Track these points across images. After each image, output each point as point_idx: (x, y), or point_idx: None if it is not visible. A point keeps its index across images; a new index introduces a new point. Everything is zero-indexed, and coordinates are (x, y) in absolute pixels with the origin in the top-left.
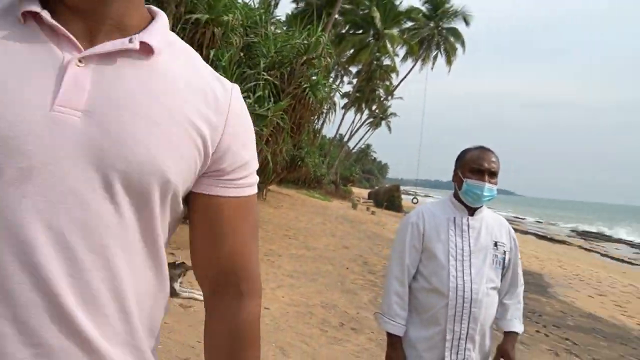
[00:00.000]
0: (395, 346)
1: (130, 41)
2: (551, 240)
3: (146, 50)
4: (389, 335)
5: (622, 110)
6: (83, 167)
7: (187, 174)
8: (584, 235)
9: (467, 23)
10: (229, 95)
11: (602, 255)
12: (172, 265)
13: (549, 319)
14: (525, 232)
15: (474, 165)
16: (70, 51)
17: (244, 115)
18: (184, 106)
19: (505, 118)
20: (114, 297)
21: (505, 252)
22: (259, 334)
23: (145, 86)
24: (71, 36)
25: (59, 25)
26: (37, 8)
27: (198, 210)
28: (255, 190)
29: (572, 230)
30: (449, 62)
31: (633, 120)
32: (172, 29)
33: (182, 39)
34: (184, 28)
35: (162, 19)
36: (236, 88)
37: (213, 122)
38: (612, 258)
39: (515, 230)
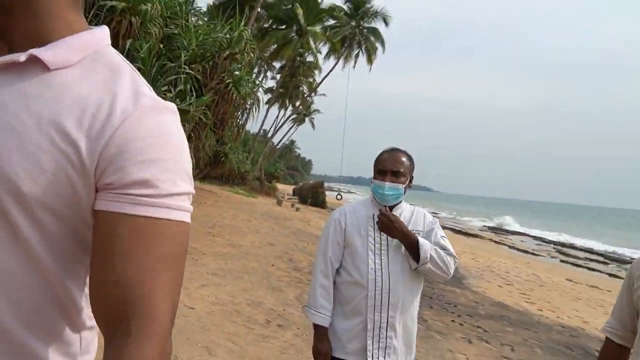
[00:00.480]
0: (321, 337)
1: (22, 55)
2: (466, 234)
3: (38, 63)
4: (315, 326)
5: (528, 112)
6: None
7: (56, 186)
8: (493, 229)
9: (386, 23)
10: (132, 111)
11: (510, 247)
12: None
13: (463, 309)
14: (443, 227)
15: (379, 167)
16: None
17: (151, 135)
18: (59, 116)
19: (425, 117)
20: None
21: (421, 235)
22: None
23: (19, 96)
24: None
25: None
26: None
27: (94, 229)
28: (173, 216)
29: (484, 226)
30: (369, 60)
31: (539, 119)
32: (86, 14)
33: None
34: (97, 14)
35: (83, 36)
36: (148, 106)
37: (95, 133)
38: (518, 250)
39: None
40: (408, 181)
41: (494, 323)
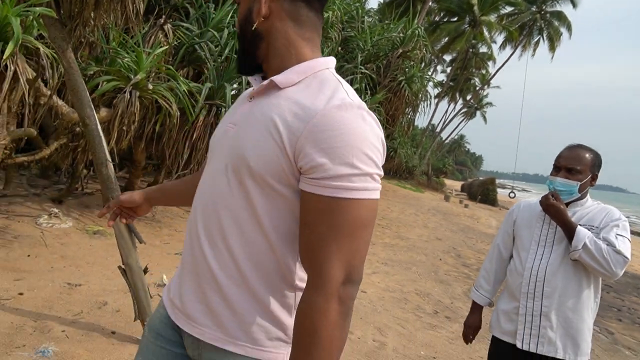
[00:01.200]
0: (472, 311)
1: (266, 81)
2: None
3: (275, 85)
4: (473, 302)
5: None
6: (220, 158)
7: (269, 165)
8: None
9: (574, 5)
10: (321, 110)
11: None
12: None
13: None
14: (638, 234)
15: (555, 163)
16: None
17: (331, 128)
18: (276, 117)
19: (614, 110)
20: (222, 238)
21: (594, 231)
22: (317, 330)
23: (261, 106)
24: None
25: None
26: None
27: (300, 205)
28: (344, 195)
29: None
30: (552, 48)
31: None
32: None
33: None
34: None
35: (306, 64)
36: (335, 106)
37: (294, 129)
38: None
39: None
40: (588, 179)
41: None
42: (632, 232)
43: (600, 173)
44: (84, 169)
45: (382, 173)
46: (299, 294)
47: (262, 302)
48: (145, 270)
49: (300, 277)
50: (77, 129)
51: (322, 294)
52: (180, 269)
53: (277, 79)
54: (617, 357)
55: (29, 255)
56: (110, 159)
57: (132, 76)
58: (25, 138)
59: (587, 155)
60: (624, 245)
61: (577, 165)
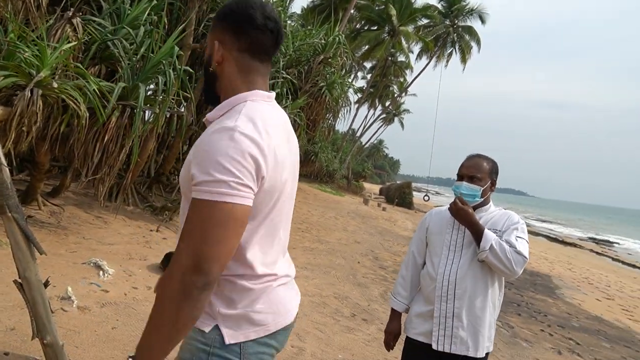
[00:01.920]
0: (392, 319)
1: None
2: (562, 242)
3: (206, 119)
4: (391, 309)
5: (634, 113)
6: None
7: (185, 179)
8: (594, 240)
9: (482, 21)
10: (205, 135)
11: (614, 259)
12: None
13: (554, 319)
14: (537, 234)
15: (458, 172)
16: None
17: (202, 146)
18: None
19: (519, 118)
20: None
21: (498, 234)
22: (158, 298)
23: (201, 136)
24: None
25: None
26: None
27: None
28: (201, 196)
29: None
30: (463, 60)
31: None
32: (197, 27)
33: (204, 37)
34: (208, 26)
35: (231, 99)
36: (214, 130)
37: (194, 148)
38: (624, 263)
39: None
40: (488, 184)
41: (588, 337)
42: (530, 233)
43: (503, 177)
44: None
45: (246, 182)
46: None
47: None
48: (46, 284)
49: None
50: None
51: (169, 271)
52: None
53: (208, 114)
54: (516, 349)
55: None
56: (5, 163)
57: (35, 72)
58: None
59: (485, 163)
60: (523, 246)
61: (477, 173)
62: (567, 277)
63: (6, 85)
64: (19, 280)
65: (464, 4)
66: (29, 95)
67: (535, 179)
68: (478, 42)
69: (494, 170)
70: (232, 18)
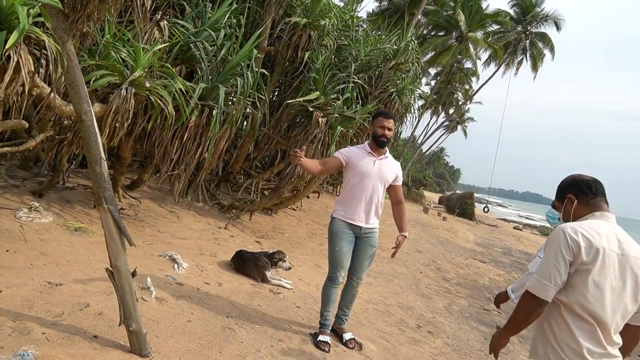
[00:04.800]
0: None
1: (385, 155)
2: None
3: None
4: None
5: None
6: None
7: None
8: None
9: (558, 28)
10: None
11: None
12: (266, 255)
13: None
14: None
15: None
16: (376, 157)
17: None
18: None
19: (594, 130)
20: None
21: None
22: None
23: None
24: (374, 155)
25: (373, 153)
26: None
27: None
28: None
29: None
30: (535, 68)
31: None
32: (272, 30)
33: (280, 39)
34: (282, 30)
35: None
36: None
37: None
38: None
39: None
40: (565, 203)
41: None
42: None
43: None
44: (67, 162)
45: None
46: None
47: None
48: (134, 274)
49: None
50: (65, 122)
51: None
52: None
53: (387, 154)
54: None
55: (7, 250)
56: (104, 157)
57: (128, 72)
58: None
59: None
60: None
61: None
62: None
63: (103, 84)
64: (111, 269)
65: (539, 9)
66: (124, 93)
67: (611, 197)
68: (552, 50)
69: (560, 193)
70: None
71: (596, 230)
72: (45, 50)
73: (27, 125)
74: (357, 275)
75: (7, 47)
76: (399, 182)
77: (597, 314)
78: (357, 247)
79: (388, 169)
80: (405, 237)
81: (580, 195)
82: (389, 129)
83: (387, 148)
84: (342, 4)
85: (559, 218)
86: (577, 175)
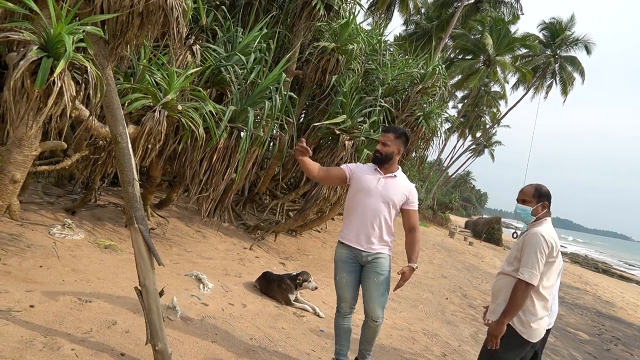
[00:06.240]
0: None
1: (394, 174)
2: None
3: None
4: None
5: None
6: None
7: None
8: None
9: (588, 52)
10: (411, 185)
11: None
12: (289, 277)
13: None
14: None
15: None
16: (382, 175)
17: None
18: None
19: (624, 154)
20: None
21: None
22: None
23: (392, 183)
24: (381, 172)
25: (380, 171)
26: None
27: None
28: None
29: None
30: (564, 92)
31: None
32: (300, 54)
33: (309, 63)
34: (311, 53)
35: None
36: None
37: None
38: None
39: (631, 280)
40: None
41: None
42: (636, 283)
43: (603, 220)
44: (99, 180)
45: None
46: None
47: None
48: (161, 294)
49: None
50: (100, 142)
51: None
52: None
53: (396, 173)
54: None
55: (41, 266)
56: (137, 178)
57: (161, 94)
58: None
59: (529, 189)
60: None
61: (523, 197)
62: None
63: (138, 107)
64: (139, 288)
65: (569, 33)
66: (157, 115)
67: None
68: (582, 74)
69: (535, 194)
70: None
71: (554, 234)
72: (87, 75)
73: (65, 146)
74: (370, 312)
75: (54, 74)
76: (412, 207)
77: (551, 292)
78: (363, 276)
79: (395, 188)
80: (413, 268)
81: (548, 203)
82: (384, 144)
83: (399, 167)
84: (370, 29)
85: (532, 213)
86: (547, 188)
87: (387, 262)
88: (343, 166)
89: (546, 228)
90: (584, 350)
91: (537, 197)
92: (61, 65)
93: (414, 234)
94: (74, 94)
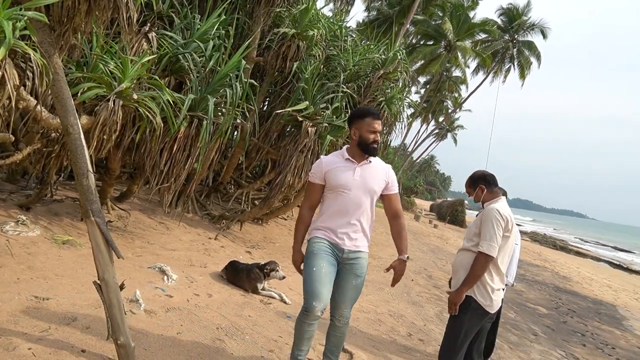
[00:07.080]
0: None
1: (368, 160)
2: (627, 269)
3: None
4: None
5: None
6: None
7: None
8: None
9: (544, 36)
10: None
11: None
12: (258, 267)
13: (623, 353)
14: (598, 259)
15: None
16: (356, 164)
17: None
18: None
19: (580, 137)
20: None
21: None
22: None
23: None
24: (354, 161)
25: (352, 159)
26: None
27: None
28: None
29: None
30: (522, 76)
31: None
32: (260, 41)
33: (269, 50)
34: (271, 40)
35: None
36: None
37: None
38: None
39: (586, 256)
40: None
41: None
42: (591, 258)
43: (561, 199)
44: (55, 174)
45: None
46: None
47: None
48: (122, 287)
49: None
50: (53, 134)
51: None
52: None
53: (370, 158)
54: None
55: None
56: (91, 169)
57: (116, 84)
58: None
59: (467, 182)
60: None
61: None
62: (635, 307)
63: (91, 97)
64: (98, 282)
65: (525, 18)
66: (112, 105)
67: (595, 201)
68: (538, 58)
69: (471, 182)
70: None
71: (509, 210)
72: (31, 63)
73: (13, 138)
74: (340, 311)
75: None
76: (393, 190)
77: (505, 264)
78: (338, 277)
79: (374, 175)
80: (404, 261)
81: (488, 186)
82: (379, 133)
83: None
84: (331, 15)
85: (474, 200)
86: (484, 171)
87: (366, 263)
88: (310, 179)
89: (500, 204)
90: (542, 323)
91: (472, 185)
92: (1, 52)
93: (398, 220)
94: (17, 82)
